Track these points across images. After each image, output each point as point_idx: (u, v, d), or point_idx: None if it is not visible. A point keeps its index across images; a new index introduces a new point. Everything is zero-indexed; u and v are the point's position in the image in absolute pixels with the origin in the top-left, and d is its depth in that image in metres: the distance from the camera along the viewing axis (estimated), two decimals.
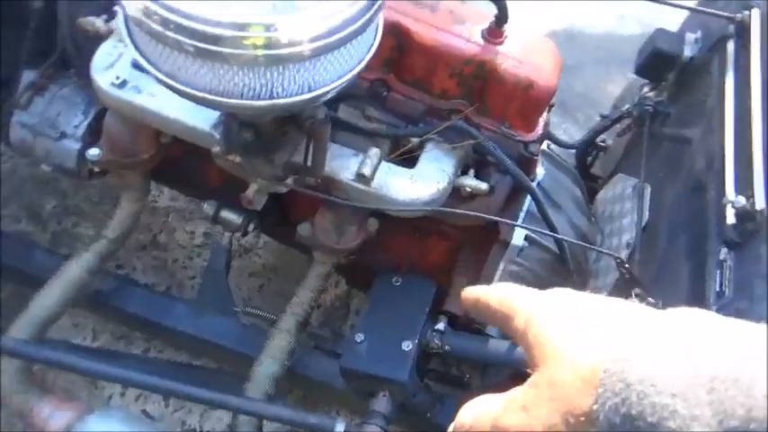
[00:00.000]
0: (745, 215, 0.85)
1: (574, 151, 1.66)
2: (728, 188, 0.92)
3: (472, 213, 1.06)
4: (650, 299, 1.04)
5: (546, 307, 0.38)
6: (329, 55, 0.77)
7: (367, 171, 1.02)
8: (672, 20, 1.59)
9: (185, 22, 0.72)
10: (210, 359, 1.52)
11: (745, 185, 0.90)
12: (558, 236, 1.11)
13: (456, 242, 1.35)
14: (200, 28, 0.72)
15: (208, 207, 1.31)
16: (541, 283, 1.34)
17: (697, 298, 0.92)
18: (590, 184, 1.59)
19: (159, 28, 0.73)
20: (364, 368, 1.19)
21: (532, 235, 1.25)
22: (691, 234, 1.02)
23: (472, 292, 0.48)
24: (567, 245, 1.25)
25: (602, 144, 1.60)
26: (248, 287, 1.80)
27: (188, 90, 0.78)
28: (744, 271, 0.83)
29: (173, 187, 1.59)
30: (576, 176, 1.48)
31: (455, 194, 1.13)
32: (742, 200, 0.86)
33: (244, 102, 0.77)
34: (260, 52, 0.73)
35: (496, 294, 0.45)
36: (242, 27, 0.72)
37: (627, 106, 1.45)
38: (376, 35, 0.87)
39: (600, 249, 1.20)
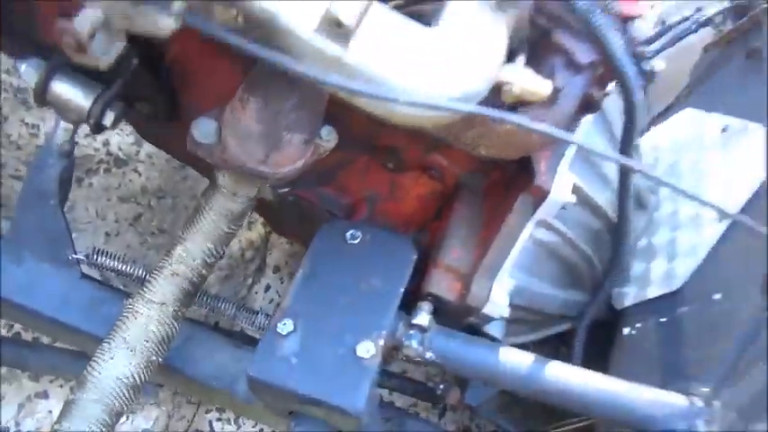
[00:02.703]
0: None
1: None
2: None
3: (539, 127, 0.55)
4: None
5: None
6: None
7: (348, 16, 0.48)
8: None
9: None
10: (42, 333, 0.96)
11: None
12: (693, 195, 0.61)
13: (451, 185, 0.86)
14: None
15: (28, 70, 0.72)
16: (579, 263, 0.88)
17: None
18: None
19: None
20: (291, 385, 0.69)
21: (584, 189, 0.78)
22: None
23: None
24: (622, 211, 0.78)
25: (649, 68, 1.13)
26: (117, 217, 1.23)
27: None
28: None
29: None
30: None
31: (490, 95, 0.62)
32: None
33: None
34: None
35: None
36: None
37: (713, 9, 0.98)
38: None
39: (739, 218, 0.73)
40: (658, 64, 1.08)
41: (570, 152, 0.76)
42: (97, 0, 0.46)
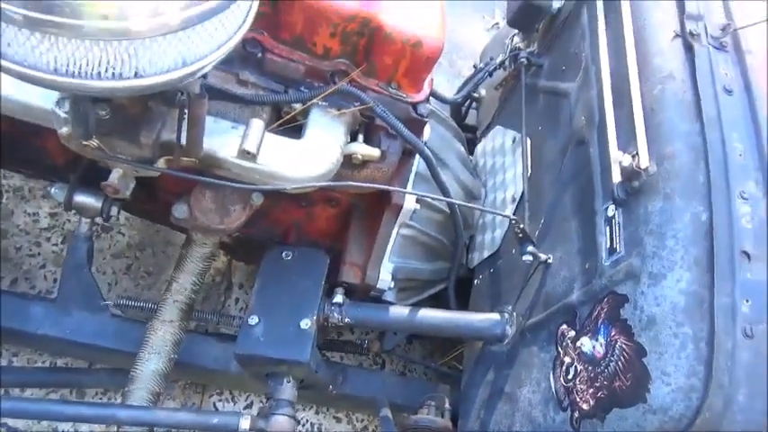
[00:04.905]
0: (631, 173, 0.88)
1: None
2: (612, 145, 0.95)
3: (368, 185, 1.00)
4: (542, 254, 1.07)
5: None
6: (205, 23, 0.65)
7: (252, 147, 0.91)
8: None
9: None
10: (80, 359, 1.36)
11: (627, 142, 0.93)
12: (452, 200, 1.09)
13: (345, 207, 1.30)
14: None
15: (57, 191, 1.12)
16: (435, 244, 1.35)
17: (589, 253, 0.95)
18: (467, 135, 1.60)
19: None
20: (263, 352, 1.12)
21: (425, 199, 1.23)
22: (576, 189, 1.05)
23: None
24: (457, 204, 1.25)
25: (476, 95, 1.60)
26: (114, 269, 1.62)
27: (23, 70, 0.62)
28: (633, 228, 0.86)
29: (2, 167, 1.35)
30: (457, 130, 1.47)
31: (346, 162, 1.06)
32: (627, 158, 0.89)
33: (100, 83, 0.63)
34: (110, 25, 0.60)
35: None
36: None
37: (500, 58, 1.45)
38: None
39: (496, 212, 1.21)
40: (481, 92, 1.58)
41: (411, 179, 1.21)
42: (118, 167, 0.88)
